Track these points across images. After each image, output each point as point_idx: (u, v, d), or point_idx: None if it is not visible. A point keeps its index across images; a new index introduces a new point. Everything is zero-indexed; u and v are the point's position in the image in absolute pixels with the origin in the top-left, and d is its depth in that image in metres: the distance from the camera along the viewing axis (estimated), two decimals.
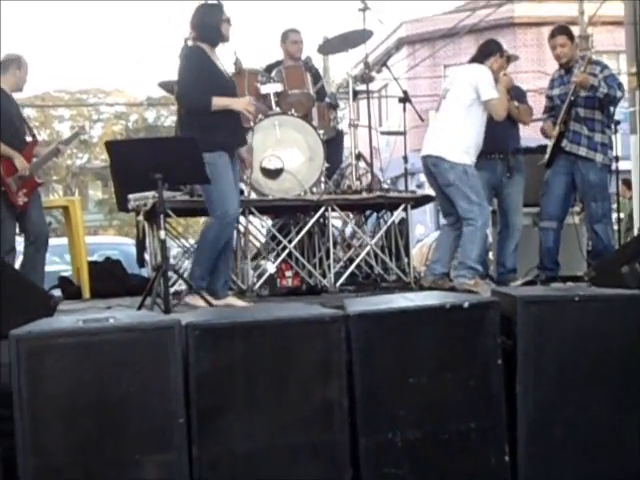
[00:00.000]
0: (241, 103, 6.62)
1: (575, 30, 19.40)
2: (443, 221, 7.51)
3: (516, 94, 7.72)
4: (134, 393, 4.06)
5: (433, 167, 7.15)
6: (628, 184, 12.45)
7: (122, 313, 5.25)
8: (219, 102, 6.41)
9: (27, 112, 38.34)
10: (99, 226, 39.59)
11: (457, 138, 7.05)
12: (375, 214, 8.88)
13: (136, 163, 5.76)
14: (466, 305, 4.43)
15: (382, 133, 10.23)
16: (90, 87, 42.80)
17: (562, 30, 7.53)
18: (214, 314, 4.91)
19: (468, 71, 7.27)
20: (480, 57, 7.27)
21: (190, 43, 6.58)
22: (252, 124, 7.45)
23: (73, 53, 66.75)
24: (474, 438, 4.39)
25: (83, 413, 4.00)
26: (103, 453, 3.98)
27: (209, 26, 6.55)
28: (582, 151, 7.36)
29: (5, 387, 3.97)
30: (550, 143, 7.52)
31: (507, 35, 25.60)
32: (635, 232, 11.20)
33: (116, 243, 13.69)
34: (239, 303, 6.46)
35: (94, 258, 10.04)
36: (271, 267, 7.97)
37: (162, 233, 5.91)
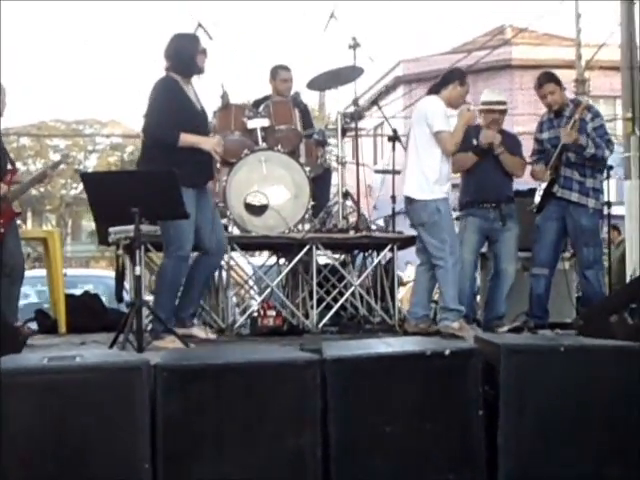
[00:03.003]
0: (210, 143, 6.41)
1: (572, 74, 19.53)
2: (417, 261, 7.37)
3: (510, 144, 7.64)
4: (98, 436, 3.96)
5: (408, 206, 7.09)
6: (616, 230, 12.34)
7: (91, 351, 5.13)
8: (187, 139, 6.24)
9: (22, 141, 38.52)
10: (91, 257, 39.50)
11: (422, 175, 6.93)
12: (362, 254, 8.74)
13: (112, 196, 5.64)
14: (447, 352, 4.33)
15: (376, 172, 10.14)
16: (86, 117, 42.99)
17: (548, 77, 7.46)
18: (184, 355, 4.80)
19: (420, 105, 7.19)
20: (438, 87, 7.13)
21: (164, 73, 6.43)
22: (218, 166, 7.31)
23: (70, 83, 67.05)
24: None
25: (44, 456, 3.90)
26: None
27: (184, 57, 6.40)
28: (574, 196, 7.27)
29: None
30: (540, 187, 7.41)
31: (504, 77, 25.65)
32: (628, 279, 11.09)
33: (101, 276, 13.55)
34: (202, 334, 6.34)
35: (77, 291, 9.87)
36: (254, 305, 7.82)
37: (137, 269, 5.78)
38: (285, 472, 4.11)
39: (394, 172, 8.48)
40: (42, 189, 37.90)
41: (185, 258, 6.37)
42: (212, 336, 6.50)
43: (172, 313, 6.34)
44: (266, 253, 9.67)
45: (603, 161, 7.40)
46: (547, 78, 7.43)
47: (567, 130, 7.13)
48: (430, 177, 6.91)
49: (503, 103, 7.79)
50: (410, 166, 7.05)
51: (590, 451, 4.34)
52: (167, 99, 6.30)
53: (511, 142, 7.67)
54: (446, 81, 7.12)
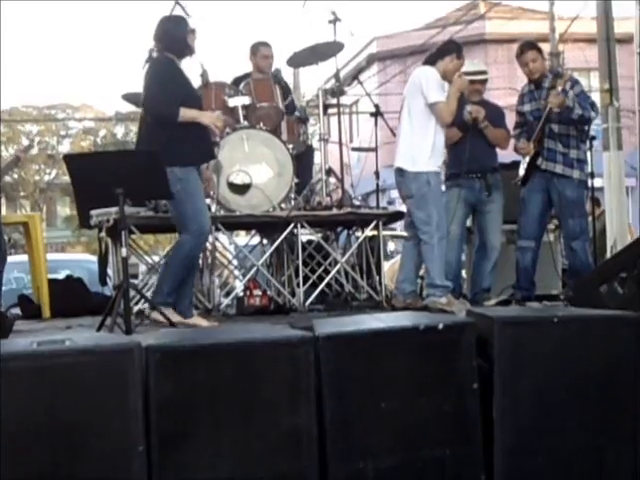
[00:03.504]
0: (209, 117, 6.43)
1: (546, 47, 19.50)
2: (405, 235, 7.33)
3: (494, 115, 7.61)
4: (90, 420, 3.90)
5: (399, 177, 7.02)
6: (596, 202, 12.36)
7: (80, 335, 5.07)
8: (187, 114, 6.23)
9: None
10: (67, 242, 39.33)
11: (416, 146, 6.87)
12: (346, 231, 8.70)
13: (96, 178, 5.57)
14: (441, 327, 4.31)
15: (353, 149, 10.09)
16: (58, 102, 42.69)
17: (530, 45, 7.41)
18: (176, 336, 4.74)
19: (415, 76, 7.06)
20: (434, 57, 7.06)
21: (156, 54, 6.38)
22: (218, 139, 7.25)
23: (42, 68, 66.54)
24: (449, 465, 4.29)
25: (36, 441, 3.83)
26: None
27: (176, 38, 6.38)
28: (558, 168, 7.24)
29: None
30: (524, 161, 7.38)
31: (478, 52, 25.58)
32: (609, 250, 11.12)
33: (81, 260, 13.43)
34: (205, 323, 6.26)
35: (57, 275, 9.78)
36: (239, 285, 7.76)
37: (124, 250, 5.71)
38: (281, 451, 4.08)
39: (376, 149, 8.43)
40: (15, 175, 37.69)
41: (206, 238, 6.47)
42: (214, 323, 6.42)
43: (176, 289, 6.28)
44: (243, 233, 9.62)
45: (590, 121, 7.38)
46: (529, 46, 7.38)
47: (554, 95, 7.07)
48: (424, 149, 6.84)
49: (484, 72, 7.78)
50: (403, 138, 6.98)
51: (586, 422, 4.35)
52: (167, 76, 6.28)
53: (494, 113, 7.65)
54: (442, 53, 7.05)
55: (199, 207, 6.24)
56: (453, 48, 7.12)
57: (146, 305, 6.68)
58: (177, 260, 6.35)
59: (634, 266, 5.34)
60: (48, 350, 3.98)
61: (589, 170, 7.71)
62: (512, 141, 7.65)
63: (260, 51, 8.54)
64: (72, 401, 3.87)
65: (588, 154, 7.72)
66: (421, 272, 7.62)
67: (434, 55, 7.08)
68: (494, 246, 7.50)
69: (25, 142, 38.82)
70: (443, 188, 7.42)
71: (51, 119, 42.49)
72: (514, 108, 7.71)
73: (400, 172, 6.96)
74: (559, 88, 7.11)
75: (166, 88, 6.21)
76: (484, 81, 7.68)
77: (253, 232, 9.17)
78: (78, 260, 13.78)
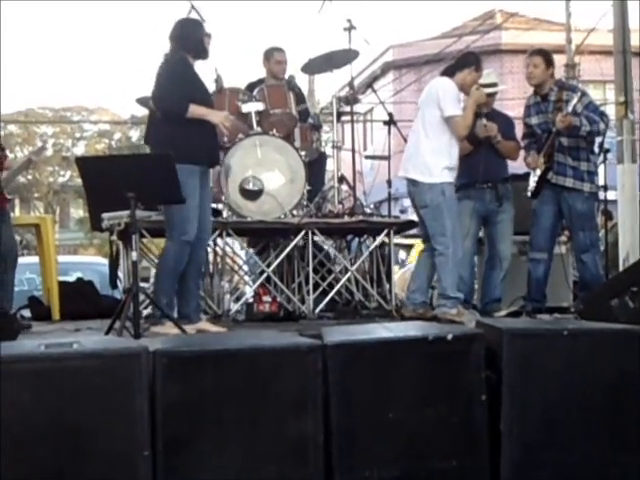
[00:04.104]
0: (218, 116, 6.40)
1: (562, 59, 19.50)
2: (421, 247, 7.31)
3: (505, 126, 7.58)
4: (97, 423, 3.91)
5: (412, 187, 6.98)
6: (608, 215, 12.31)
7: (88, 338, 5.07)
8: (196, 110, 6.22)
9: (10, 128, 38.30)
10: (79, 244, 39.38)
11: (430, 157, 6.84)
12: (357, 239, 8.69)
13: (108, 181, 5.57)
14: (449, 337, 4.29)
15: (366, 157, 10.10)
16: (74, 104, 42.80)
17: (539, 52, 7.37)
18: (184, 341, 4.75)
19: (432, 86, 7.03)
20: (453, 69, 7.04)
21: (170, 53, 6.39)
22: (227, 142, 7.25)
23: (58, 70, 66.74)
24: (455, 477, 4.28)
25: (42, 443, 3.85)
26: None
27: (193, 39, 6.39)
28: (568, 182, 7.21)
29: None
30: (535, 173, 7.35)
31: (494, 62, 25.52)
32: (621, 263, 11.08)
33: (92, 263, 13.46)
34: (213, 328, 6.25)
35: (68, 278, 9.80)
36: (249, 291, 7.75)
37: (134, 254, 5.72)
38: (287, 458, 4.08)
39: (389, 157, 8.42)
40: (29, 176, 37.80)
41: (189, 243, 6.30)
42: (222, 329, 6.40)
43: (173, 298, 6.26)
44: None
45: (601, 134, 7.34)
46: (538, 52, 7.36)
47: (561, 117, 7.04)
48: (439, 160, 6.81)
49: (494, 85, 7.71)
50: (417, 148, 6.94)
51: (594, 436, 4.33)
52: (177, 73, 6.28)
53: (504, 124, 7.61)
54: (462, 65, 7.02)
55: (186, 214, 6.15)
56: (472, 60, 7.09)
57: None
58: (166, 271, 6.33)
59: None
60: (56, 353, 3.98)
61: (600, 182, 7.67)
62: (522, 152, 7.62)
63: (274, 56, 8.54)
64: (78, 404, 3.87)
65: (600, 167, 7.69)
66: (433, 282, 7.60)
67: (452, 67, 7.06)
68: (505, 256, 7.47)
69: (39, 144, 38.93)
70: None
71: (66, 121, 42.59)
72: None
73: (414, 182, 6.93)
74: (569, 108, 7.06)
75: (176, 84, 6.20)
76: (494, 93, 7.64)
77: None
78: (90, 263, 13.81)
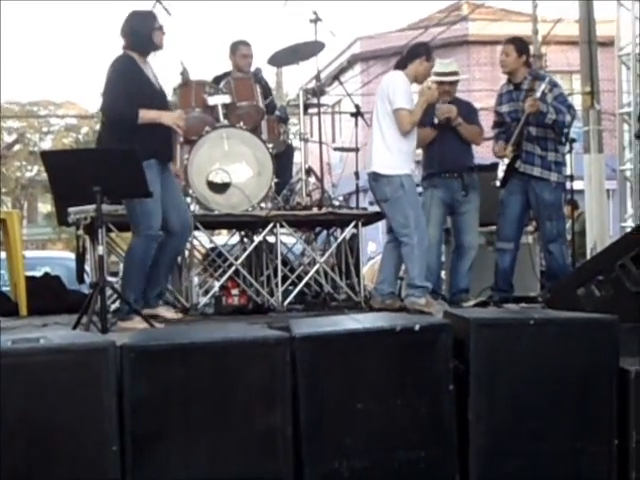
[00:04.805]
0: (170, 117, 6.33)
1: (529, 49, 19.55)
2: (386, 238, 7.34)
3: (467, 112, 7.61)
4: (64, 419, 3.89)
5: (372, 182, 7.03)
6: (574, 204, 12.41)
7: (55, 333, 5.02)
8: (146, 115, 6.15)
9: None
10: (48, 239, 39.15)
11: (387, 150, 6.90)
12: (325, 231, 8.69)
13: (73, 175, 5.53)
14: (417, 328, 4.28)
15: (335, 149, 10.09)
16: (41, 99, 42.44)
17: (512, 40, 7.44)
18: (151, 335, 4.72)
19: (385, 80, 7.12)
20: (404, 61, 7.07)
21: (120, 52, 6.35)
22: (181, 140, 7.23)
23: (25, 64, 66.13)
24: (424, 467, 4.26)
25: (10, 439, 3.80)
26: None
27: (140, 34, 6.29)
28: (536, 171, 7.26)
29: None
30: (502, 163, 7.39)
31: (460, 53, 25.62)
32: (589, 253, 11.16)
33: (59, 258, 13.40)
34: (168, 314, 6.26)
35: (36, 273, 9.74)
36: (217, 285, 7.74)
37: (100, 248, 5.69)
38: (256, 452, 4.06)
39: (357, 149, 8.43)
40: None
41: (154, 237, 6.27)
42: (178, 315, 6.42)
43: (141, 293, 6.25)
44: (225, 231, 9.59)
45: (565, 126, 7.38)
46: (511, 40, 7.44)
47: (531, 101, 7.08)
48: (394, 152, 6.87)
49: (455, 73, 7.71)
50: (375, 142, 6.99)
51: (562, 425, 4.33)
52: (124, 77, 6.20)
53: (466, 110, 7.66)
54: (412, 56, 7.05)
55: (148, 208, 6.11)
56: (422, 51, 7.13)
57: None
58: (133, 265, 6.33)
59: (611, 269, 5.34)
60: (22, 348, 3.95)
61: (568, 173, 7.72)
62: (491, 143, 7.65)
63: (239, 50, 8.52)
64: (46, 400, 3.85)
65: (567, 157, 7.74)
66: (401, 273, 7.62)
67: (404, 59, 7.10)
68: (471, 246, 7.50)
69: (8, 139, 38.67)
70: (420, 189, 7.43)
71: (33, 115, 42.27)
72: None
73: (374, 176, 6.97)
74: (537, 94, 7.11)
75: (124, 90, 6.14)
76: (455, 82, 7.66)
77: (233, 231, 9.14)
78: (57, 257, 13.77)
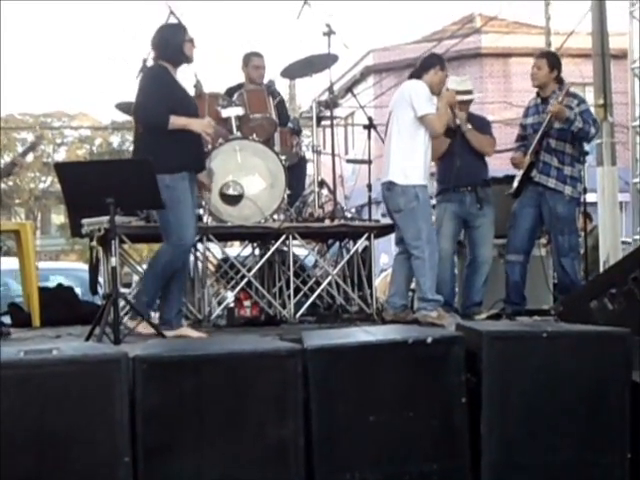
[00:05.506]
0: (200, 124, 6.38)
1: None
2: (396, 249, 7.34)
3: (479, 124, 7.61)
4: (77, 430, 3.91)
5: (386, 192, 7.00)
6: (588, 217, 12.37)
7: (68, 344, 5.04)
8: (177, 121, 6.19)
9: None
10: (61, 251, 39.28)
11: (406, 159, 6.87)
12: (338, 243, 8.69)
13: (87, 187, 5.56)
14: (429, 340, 4.29)
15: (348, 161, 10.10)
16: (54, 110, 42.65)
17: (545, 54, 7.55)
18: (164, 346, 4.72)
19: (403, 89, 7.09)
20: (418, 71, 7.08)
21: (151, 63, 6.38)
22: (209, 147, 7.24)
23: (39, 76, 66.51)
24: None
25: (22, 450, 3.83)
26: None
27: (172, 46, 6.34)
28: (551, 182, 7.25)
29: None
30: (519, 173, 7.39)
31: (474, 66, 25.65)
32: (601, 266, 11.11)
33: (73, 269, 13.43)
34: (194, 334, 6.23)
35: (49, 284, 9.76)
36: (229, 296, 7.74)
37: (113, 260, 5.71)
38: (267, 463, 4.07)
39: (369, 161, 8.43)
40: (10, 182, 37.61)
41: (187, 250, 6.36)
42: (203, 334, 6.38)
43: (155, 301, 6.26)
44: (237, 243, 9.60)
45: (589, 138, 7.41)
46: (545, 54, 7.52)
47: (555, 104, 7.08)
48: (413, 162, 6.85)
49: (469, 92, 7.71)
50: (393, 151, 6.96)
51: (574, 438, 4.33)
52: (157, 85, 6.25)
53: (479, 123, 7.65)
54: (426, 66, 7.06)
55: (182, 218, 6.15)
56: (436, 61, 7.16)
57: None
58: (155, 270, 6.32)
59: (624, 282, 5.33)
60: (35, 359, 3.96)
61: (582, 188, 7.69)
62: (504, 155, 7.64)
63: (252, 61, 8.55)
64: (58, 411, 3.86)
65: (582, 174, 7.72)
66: (412, 285, 7.61)
67: (418, 70, 7.10)
68: (485, 260, 7.47)
69: (20, 150, 38.75)
70: (433, 202, 7.43)
71: (47, 127, 42.46)
72: (509, 122, 7.73)
73: (389, 185, 6.94)
74: (559, 98, 7.11)
75: (155, 96, 6.18)
76: (470, 101, 7.66)
77: (246, 242, 9.14)
78: (70, 269, 13.77)
